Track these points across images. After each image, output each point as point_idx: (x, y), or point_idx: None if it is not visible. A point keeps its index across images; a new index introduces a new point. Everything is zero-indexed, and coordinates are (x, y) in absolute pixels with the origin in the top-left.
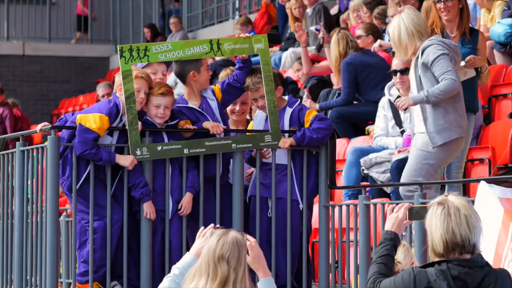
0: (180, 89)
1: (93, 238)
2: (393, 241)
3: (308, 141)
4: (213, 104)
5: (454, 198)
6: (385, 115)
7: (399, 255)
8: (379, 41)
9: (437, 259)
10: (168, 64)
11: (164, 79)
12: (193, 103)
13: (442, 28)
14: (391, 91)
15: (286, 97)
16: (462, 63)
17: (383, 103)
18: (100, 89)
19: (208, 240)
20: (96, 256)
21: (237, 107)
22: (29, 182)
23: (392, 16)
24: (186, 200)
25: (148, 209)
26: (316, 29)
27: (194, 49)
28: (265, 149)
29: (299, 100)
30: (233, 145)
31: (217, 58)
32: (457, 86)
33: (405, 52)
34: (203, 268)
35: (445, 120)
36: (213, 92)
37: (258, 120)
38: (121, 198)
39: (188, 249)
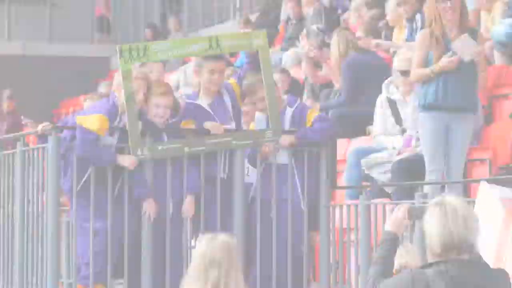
0: (185, 89)
1: (93, 240)
2: (393, 241)
3: (309, 141)
4: (228, 102)
5: (451, 199)
6: (383, 113)
7: (408, 256)
8: (375, 41)
9: (435, 259)
10: (164, 63)
11: (160, 77)
12: (204, 100)
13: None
14: (390, 89)
15: (285, 97)
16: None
17: (380, 101)
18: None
19: (198, 245)
20: (100, 258)
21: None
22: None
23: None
24: (188, 203)
25: (148, 208)
26: (318, 28)
27: (193, 47)
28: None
29: (299, 99)
30: (233, 142)
31: None
32: None
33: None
34: (195, 274)
35: None
36: (231, 87)
37: (258, 121)
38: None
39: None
